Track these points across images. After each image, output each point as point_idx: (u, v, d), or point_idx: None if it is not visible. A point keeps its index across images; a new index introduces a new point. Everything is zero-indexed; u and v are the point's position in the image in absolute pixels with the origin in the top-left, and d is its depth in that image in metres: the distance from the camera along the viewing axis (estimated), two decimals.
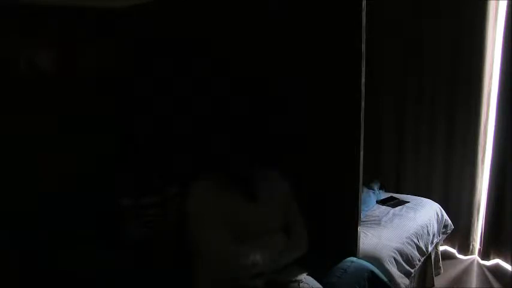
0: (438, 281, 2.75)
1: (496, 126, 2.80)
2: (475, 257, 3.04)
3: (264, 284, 1.51)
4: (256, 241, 1.49)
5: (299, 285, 1.58)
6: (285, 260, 1.55)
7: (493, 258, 2.93)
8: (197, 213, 1.50)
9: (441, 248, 2.97)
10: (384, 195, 3.06)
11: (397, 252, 2.25)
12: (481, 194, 2.99)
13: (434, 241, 2.62)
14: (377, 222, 2.54)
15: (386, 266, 2.13)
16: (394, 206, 2.81)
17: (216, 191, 1.52)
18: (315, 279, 1.64)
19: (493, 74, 2.82)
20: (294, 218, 1.65)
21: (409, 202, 2.84)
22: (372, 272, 1.72)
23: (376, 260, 2.08)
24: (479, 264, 2.96)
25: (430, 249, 2.55)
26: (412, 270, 2.31)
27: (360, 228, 1.88)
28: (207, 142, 1.55)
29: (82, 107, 2.43)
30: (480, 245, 3.01)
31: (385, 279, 1.77)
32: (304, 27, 1.86)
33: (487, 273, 2.85)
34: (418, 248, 2.41)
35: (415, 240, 2.41)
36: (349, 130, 1.77)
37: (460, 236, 3.05)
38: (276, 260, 1.52)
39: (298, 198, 1.70)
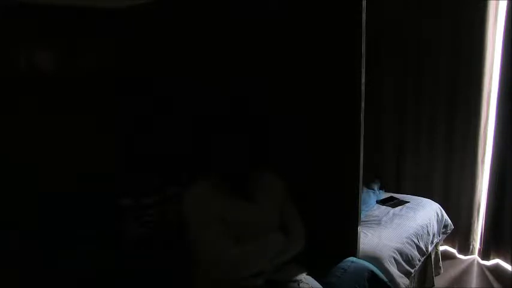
0: (438, 281, 2.74)
1: (496, 126, 2.80)
2: (475, 257, 3.04)
3: (263, 283, 1.51)
4: (253, 240, 1.49)
5: (299, 284, 1.58)
6: (283, 258, 1.55)
7: (493, 258, 2.93)
8: (194, 213, 1.49)
9: (441, 248, 2.97)
10: (384, 195, 3.06)
11: (397, 252, 2.25)
12: (481, 194, 2.99)
13: (434, 241, 2.62)
14: (377, 222, 2.54)
15: (387, 266, 2.13)
16: (394, 206, 2.81)
17: (213, 191, 1.52)
18: (314, 279, 1.64)
19: (493, 74, 2.82)
20: (290, 216, 1.65)
21: (409, 202, 2.84)
22: (372, 272, 1.72)
23: (376, 260, 2.08)
24: (479, 264, 2.96)
25: (430, 249, 2.55)
26: (412, 270, 2.31)
27: (360, 228, 1.88)
28: (203, 143, 1.55)
29: (81, 107, 2.43)
30: (480, 245, 3.01)
31: (385, 279, 1.77)
32: (305, 27, 1.86)
33: (487, 273, 2.85)
34: (418, 248, 2.41)
35: (415, 240, 2.41)
36: (349, 130, 1.77)
37: (460, 236, 3.05)
38: (274, 258, 1.52)
39: (298, 198, 1.70)
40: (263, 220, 1.57)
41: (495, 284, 2.72)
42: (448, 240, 3.07)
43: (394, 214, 2.67)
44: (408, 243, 2.36)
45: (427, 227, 2.57)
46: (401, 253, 2.27)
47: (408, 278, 2.25)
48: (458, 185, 3.04)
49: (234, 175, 1.53)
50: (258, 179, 1.61)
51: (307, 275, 1.63)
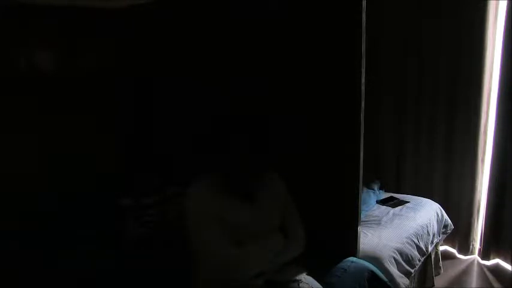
0: (438, 281, 2.74)
1: (496, 126, 2.80)
2: (475, 257, 3.04)
3: (263, 283, 1.51)
4: (254, 241, 1.49)
5: (299, 284, 1.58)
6: (283, 259, 1.55)
7: (493, 258, 2.93)
8: (194, 214, 1.49)
9: (441, 248, 2.96)
10: (384, 195, 3.06)
11: (397, 252, 2.25)
12: (481, 194, 2.99)
13: (434, 241, 2.62)
14: (377, 222, 2.54)
15: (387, 266, 2.13)
16: (394, 206, 2.81)
17: (213, 191, 1.51)
18: (314, 279, 1.64)
19: (493, 74, 2.82)
20: (291, 217, 1.64)
21: (409, 202, 2.84)
22: (372, 272, 1.72)
23: (376, 260, 2.08)
24: (479, 264, 2.96)
25: (430, 249, 2.55)
26: (412, 270, 2.31)
27: (360, 228, 1.88)
28: (204, 143, 1.55)
29: (81, 107, 2.43)
30: (480, 245, 3.01)
31: (385, 279, 1.77)
32: (305, 27, 1.86)
33: (487, 273, 2.85)
34: (418, 248, 2.41)
35: (415, 240, 2.41)
36: (349, 130, 1.77)
37: (460, 236, 3.05)
38: (274, 259, 1.52)
39: (298, 199, 1.69)
40: (263, 221, 1.56)
41: (495, 284, 2.72)
42: (448, 240, 3.07)
43: (394, 214, 2.67)
44: (408, 243, 2.36)
45: (427, 227, 2.57)
46: (401, 253, 2.27)
47: (408, 278, 2.25)
48: (458, 185, 3.04)
49: (234, 175, 1.53)
50: (259, 179, 1.61)
51: (307, 275, 1.63)
